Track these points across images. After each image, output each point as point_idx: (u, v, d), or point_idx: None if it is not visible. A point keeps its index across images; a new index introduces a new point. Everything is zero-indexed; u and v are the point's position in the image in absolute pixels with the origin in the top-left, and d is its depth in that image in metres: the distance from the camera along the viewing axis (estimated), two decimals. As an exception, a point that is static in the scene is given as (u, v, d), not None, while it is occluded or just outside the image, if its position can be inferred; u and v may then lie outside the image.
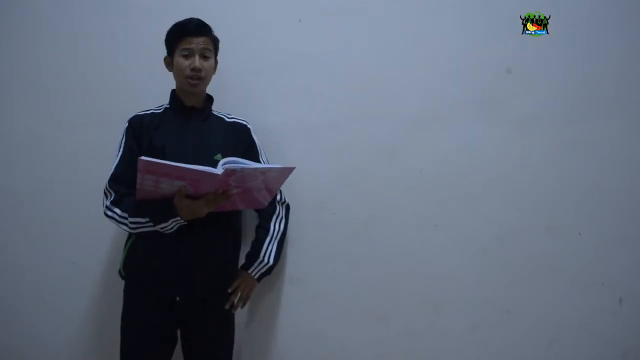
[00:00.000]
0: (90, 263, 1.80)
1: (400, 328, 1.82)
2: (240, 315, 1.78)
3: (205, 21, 1.55)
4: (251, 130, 1.66)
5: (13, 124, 1.80)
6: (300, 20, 1.81)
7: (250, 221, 1.78)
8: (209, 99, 1.62)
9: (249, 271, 1.62)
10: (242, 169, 1.32)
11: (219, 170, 1.29)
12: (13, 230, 1.81)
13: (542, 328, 1.83)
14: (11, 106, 1.80)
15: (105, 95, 1.78)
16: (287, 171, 1.43)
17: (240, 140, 1.60)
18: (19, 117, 1.80)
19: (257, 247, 1.64)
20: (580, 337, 1.83)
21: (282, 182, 1.48)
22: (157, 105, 1.59)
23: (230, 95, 1.78)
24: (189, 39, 1.49)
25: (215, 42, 1.56)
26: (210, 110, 1.61)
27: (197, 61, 1.49)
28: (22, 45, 1.80)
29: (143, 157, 1.25)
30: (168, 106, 1.58)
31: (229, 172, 1.30)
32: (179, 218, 1.38)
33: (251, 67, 1.81)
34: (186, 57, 1.50)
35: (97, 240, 1.79)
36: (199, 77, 1.51)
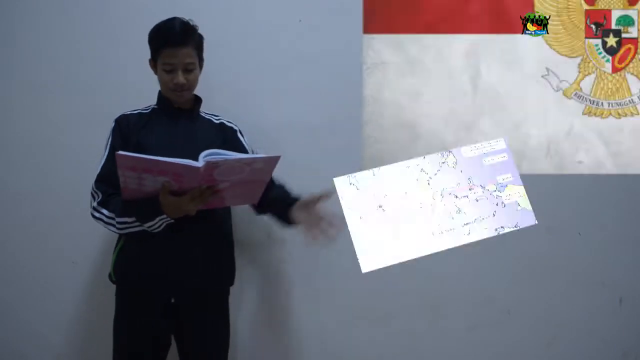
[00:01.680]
0: (91, 263, 1.80)
1: (400, 328, 1.82)
2: (239, 315, 1.78)
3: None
4: (238, 132, 1.63)
5: (13, 124, 1.80)
6: (300, 20, 1.81)
7: (242, 219, 1.78)
8: (197, 100, 1.59)
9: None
10: (225, 161, 1.28)
11: (200, 163, 1.25)
12: (13, 230, 1.81)
13: (542, 328, 1.83)
14: (11, 106, 1.80)
15: (105, 95, 1.78)
16: (272, 161, 1.37)
17: (227, 141, 1.57)
18: (18, 117, 1.80)
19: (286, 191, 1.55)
20: (580, 337, 1.83)
21: (270, 173, 1.42)
22: (145, 106, 1.58)
23: (229, 96, 1.78)
24: (171, 51, 1.44)
25: (199, 47, 1.51)
26: (199, 111, 1.59)
27: (180, 77, 1.45)
28: (22, 45, 1.80)
29: (120, 152, 1.22)
30: (156, 106, 1.56)
31: (211, 165, 1.26)
32: (165, 216, 1.36)
33: (251, 67, 1.81)
34: (168, 72, 1.46)
35: (97, 240, 1.79)
36: (182, 90, 1.49)
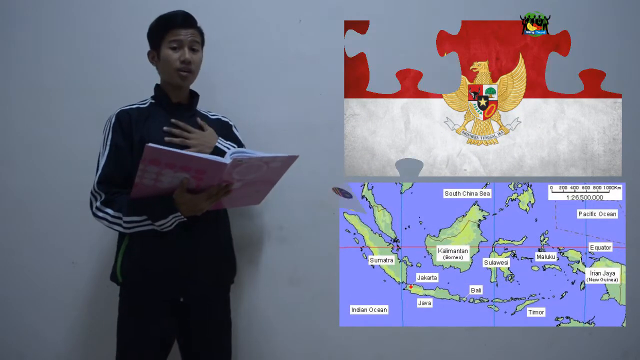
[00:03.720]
0: (90, 263, 1.80)
1: (400, 328, 1.82)
2: (240, 315, 1.78)
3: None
4: (233, 127, 1.65)
5: (13, 124, 1.80)
6: (300, 21, 1.81)
7: (242, 220, 1.78)
8: (194, 95, 1.59)
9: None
10: (250, 159, 1.30)
11: (227, 159, 1.26)
12: (14, 230, 1.81)
13: (542, 328, 1.83)
14: (11, 106, 1.80)
15: (105, 95, 1.78)
16: (290, 160, 1.41)
17: (225, 136, 1.58)
18: (18, 117, 1.80)
19: None
20: (580, 337, 1.83)
21: (283, 173, 1.46)
22: (140, 100, 1.55)
23: (229, 95, 1.78)
24: (177, 30, 1.46)
25: (202, 35, 1.54)
26: (197, 106, 1.59)
27: (187, 53, 1.46)
28: (22, 45, 1.80)
29: (151, 145, 1.20)
30: (153, 101, 1.54)
31: (236, 163, 1.28)
32: (179, 214, 1.35)
33: (251, 67, 1.81)
34: (175, 49, 1.46)
35: (97, 240, 1.79)
36: (189, 70, 1.48)
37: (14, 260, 1.81)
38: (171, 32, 1.46)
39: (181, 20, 1.47)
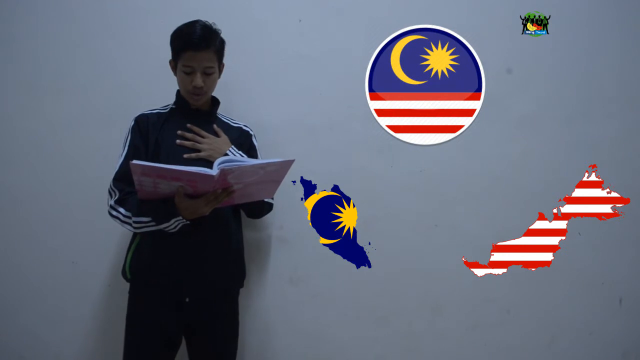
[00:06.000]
0: (91, 264, 1.80)
1: (400, 328, 1.82)
2: (240, 314, 1.78)
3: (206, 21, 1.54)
4: (253, 136, 1.66)
5: (13, 124, 1.80)
6: (300, 20, 1.81)
7: (243, 221, 1.78)
8: (215, 102, 1.61)
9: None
10: (239, 167, 1.30)
11: (214, 171, 1.27)
12: (13, 231, 1.80)
13: (542, 328, 1.83)
14: (11, 106, 1.80)
15: (106, 96, 1.78)
16: (287, 164, 1.41)
17: (243, 145, 1.61)
18: (18, 117, 1.80)
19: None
20: (580, 337, 1.83)
21: (284, 175, 1.46)
22: (163, 105, 1.58)
23: (229, 96, 1.77)
24: (192, 54, 1.44)
25: (219, 51, 1.52)
26: (216, 112, 1.61)
27: (198, 79, 1.46)
28: (22, 45, 1.80)
29: (135, 161, 1.24)
30: (174, 106, 1.57)
31: (225, 172, 1.29)
32: (181, 218, 1.38)
33: (251, 68, 1.81)
34: (188, 74, 1.47)
35: (97, 240, 1.78)
36: (200, 94, 1.50)
37: (14, 260, 1.81)
38: (185, 56, 1.45)
39: (198, 41, 1.44)
